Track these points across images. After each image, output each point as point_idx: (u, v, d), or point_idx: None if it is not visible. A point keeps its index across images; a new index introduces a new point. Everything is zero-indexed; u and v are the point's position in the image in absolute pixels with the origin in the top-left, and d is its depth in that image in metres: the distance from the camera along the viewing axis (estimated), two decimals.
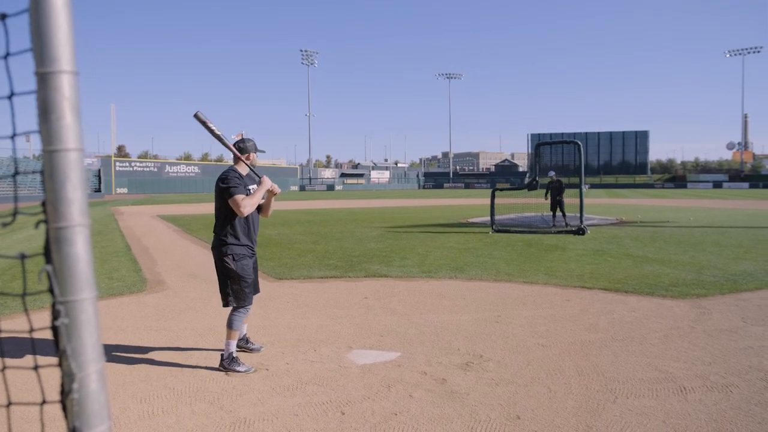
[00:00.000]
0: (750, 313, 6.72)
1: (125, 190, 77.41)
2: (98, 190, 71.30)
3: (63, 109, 0.88)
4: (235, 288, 4.91)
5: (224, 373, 4.80)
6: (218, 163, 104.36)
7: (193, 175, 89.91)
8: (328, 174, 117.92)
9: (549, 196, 18.24)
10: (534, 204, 20.62)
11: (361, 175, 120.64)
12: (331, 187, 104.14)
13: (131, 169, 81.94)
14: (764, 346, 5.42)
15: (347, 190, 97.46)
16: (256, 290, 5.22)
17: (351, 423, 3.81)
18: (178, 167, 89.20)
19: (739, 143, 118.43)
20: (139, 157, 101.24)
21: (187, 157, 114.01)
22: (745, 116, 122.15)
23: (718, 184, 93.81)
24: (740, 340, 5.59)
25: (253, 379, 4.66)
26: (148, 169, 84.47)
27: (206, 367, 4.95)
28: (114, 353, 5.35)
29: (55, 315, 0.88)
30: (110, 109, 74.34)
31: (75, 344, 0.87)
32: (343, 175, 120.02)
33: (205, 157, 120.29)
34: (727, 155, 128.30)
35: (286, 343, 5.62)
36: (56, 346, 0.88)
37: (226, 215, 4.89)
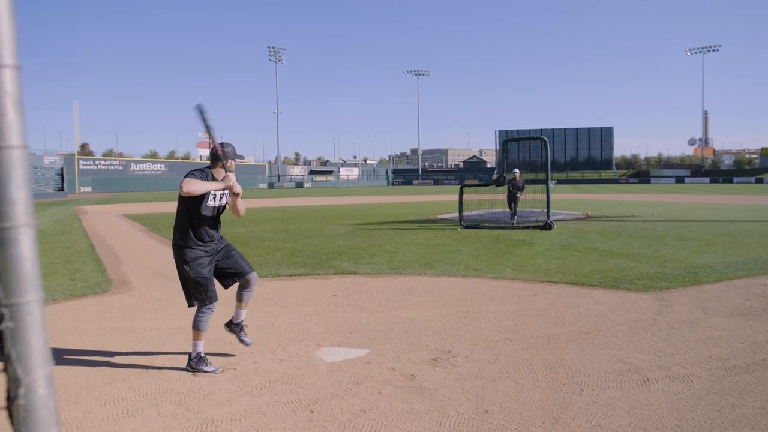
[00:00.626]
0: (710, 304, 6.88)
1: (89, 189, 75.91)
2: (61, 189, 69.71)
3: (5, 105, 0.84)
4: (193, 290, 4.86)
5: (191, 373, 4.73)
6: (185, 161, 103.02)
7: (159, 173, 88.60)
8: (297, 171, 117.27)
9: (507, 190, 18.32)
10: (502, 200, 20.79)
11: (330, 173, 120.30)
12: (300, 185, 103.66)
13: (95, 167, 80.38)
14: (723, 336, 5.56)
15: (316, 188, 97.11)
16: (243, 274, 5.09)
17: (320, 421, 3.79)
18: (144, 165, 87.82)
19: (699, 139, 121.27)
20: (103, 155, 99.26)
21: (154, 155, 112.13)
22: (706, 113, 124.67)
23: (680, 179, 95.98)
24: (701, 331, 5.72)
25: (221, 379, 4.61)
26: (113, 167, 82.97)
27: (173, 368, 4.87)
28: (77, 356, 5.23)
29: (0, 318, 0.84)
30: (73, 106, 72.71)
31: (21, 348, 0.84)
32: (312, 172, 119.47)
33: (171, 155, 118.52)
34: (689, 151, 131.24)
35: (255, 342, 5.56)
36: (1, 350, 0.85)
37: (183, 217, 4.82)
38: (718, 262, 9.89)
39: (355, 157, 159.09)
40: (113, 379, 4.63)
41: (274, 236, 15.36)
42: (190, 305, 4.93)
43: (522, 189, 18.01)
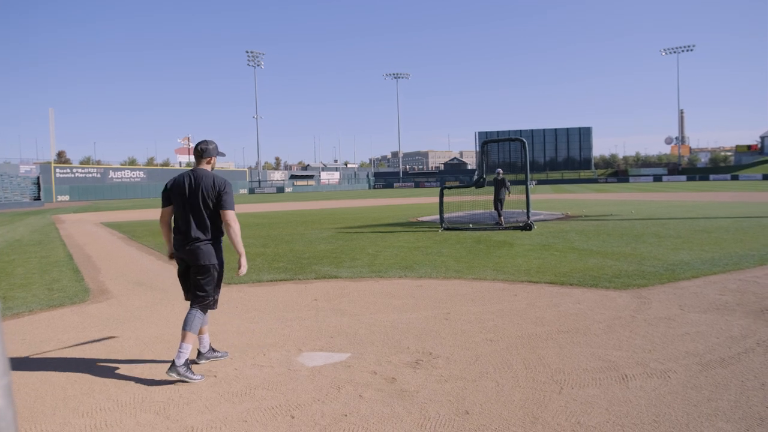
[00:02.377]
0: (687, 300, 6.98)
1: (67, 198, 74.92)
2: (37, 198, 68.72)
3: None
4: (215, 292, 5.10)
5: (171, 381, 4.68)
6: (165, 167, 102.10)
7: (138, 180, 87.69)
8: (278, 176, 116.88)
9: (493, 191, 18.29)
10: (482, 201, 20.88)
11: (311, 177, 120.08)
12: (280, 189, 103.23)
13: (73, 175, 79.32)
14: (700, 331, 5.64)
15: (297, 192, 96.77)
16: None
17: (301, 426, 3.78)
18: (123, 173, 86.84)
19: (676, 138, 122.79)
20: (81, 163, 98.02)
21: (132, 162, 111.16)
22: (681, 112, 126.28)
23: (657, 178, 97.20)
24: (678, 327, 5.80)
25: (201, 387, 4.57)
26: (90, 175, 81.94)
27: (152, 377, 4.82)
28: (54, 367, 5.16)
29: None
30: (49, 113, 71.75)
31: None
32: (292, 176, 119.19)
33: (150, 162, 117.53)
34: (666, 149, 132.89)
35: (235, 349, 5.54)
36: None
37: (217, 220, 5.11)
38: (694, 259, 10.03)
39: (335, 161, 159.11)
40: (91, 389, 4.57)
41: (254, 242, 15.28)
42: (210, 307, 5.03)
43: (507, 189, 17.95)
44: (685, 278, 8.38)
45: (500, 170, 18.30)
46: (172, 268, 10.76)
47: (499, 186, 17.85)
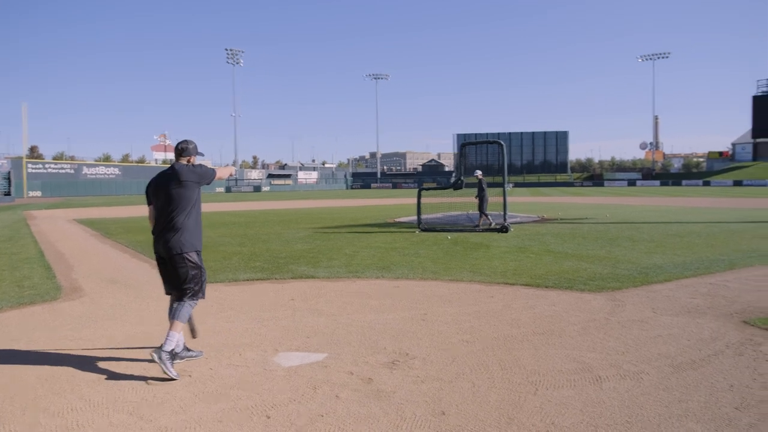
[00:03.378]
0: (659, 303, 7.09)
1: (39, 194, 73.55)
2: (8, 194, 67.35)
3: None
4: (202, 281, 5.17)
5: (144, 381, 4.63)
6: (140, 164, 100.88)
7: (113, 176, 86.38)
8: (255, 175, 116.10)
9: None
10: (460, 203, 20.99)
11: (288, 176, 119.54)
12: (258, 189, 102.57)
13: (45, 170, 77.89)
14: (672, 334, 5.73)
15: (274, 191, 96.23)
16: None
17: (277, 427, 3.76)
18: (97, 169, 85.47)
19: (651, 143, 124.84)
20: (54, 159, 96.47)
21: (107, 158, 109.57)
22: (656, 118, 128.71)
23: (632, 182, 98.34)
24: (650, 330, 5.89)
25: (175, 387, 4.52)
26: (64, 170, 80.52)
27: (125, 376, 4.76)
28: (24, 366, 5.06)
29: None
30: (21, 108, 70.45)
31: None
32: (270, 176, 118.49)
33: (125, 158, 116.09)
34: (641, 154, 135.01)
35: (210, 348, 5.49)
36: None
37: (197, 208, 5.15)
38: (667, 263, 10.19)
39: (313, 161, 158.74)
40: (62, 389, 4.50)
41: (231, 241, 15.18)
42: (195, 297, 5.09)
43: (482, 189, 17.83)
44: (658, 281, 8.51)
45: (479, 171, 18.26)
46: (147, 266, 10.63)
47: (479, 188, 17.79)
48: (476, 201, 17.64)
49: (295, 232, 17.65)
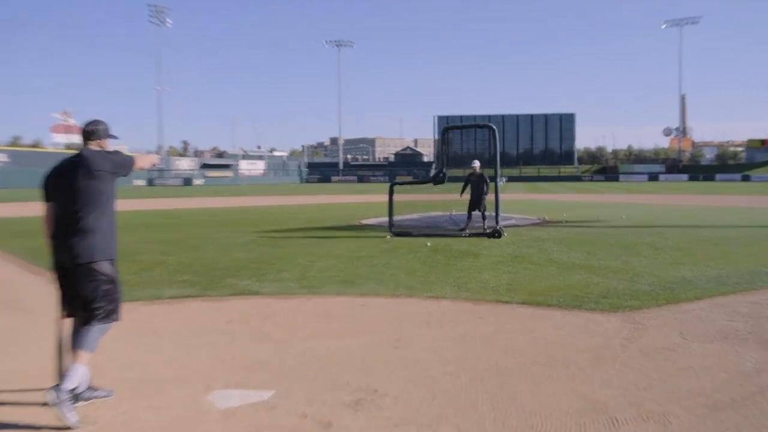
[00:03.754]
0: (690, 326, 7.16)
1: None
2: None
3: None
4: (117, 298, 5.16)
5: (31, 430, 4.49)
6: (34, 149, 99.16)
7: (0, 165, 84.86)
8: (186, 164, 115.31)
9: (469, 191, 18.20)
10: (442, 201, 21.03)
11: (227, 167, 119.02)
12: (188, 182, 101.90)
13: None
14: (706, 365, 5.78)
15: (210, 185, 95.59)
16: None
17: None
18: None
19: (676, 129, 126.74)
20: None
21: None
22: (683, 98, 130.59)
23: (654, 177, 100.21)
24: (679, 360, 5.93)
25: None
26: None
27: (6, 426, 4.62)
28: None
29: None
30: None
31: None
32: (204, 166, 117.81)
33: (15, 142, 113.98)
34: (664, 142, 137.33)
35: (124, 386, 5.36)
36: None
37: (112, 208, 5.18)
38: (698, 276, 10.33)
39: (259, 148, 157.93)
40: None
41: (152, 247, 14.98)
42: (107, 319, 4.99)
43: (488, 185, 17.82)
44: (687, 299, 8.61)
45: (477, 162, 18.20)
46: (41, 280, 10.39)
47: (476, 184, 17.79)
48: (481, 198, 17.64)
49: (235, 236, 17.50)
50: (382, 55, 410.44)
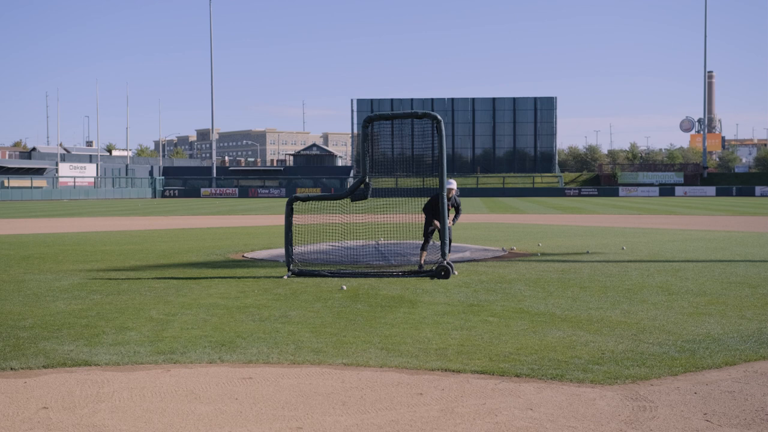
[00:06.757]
0: (717, 405, 7.30)
1: None
2: None
3: None
4: None
5: None
6: None
7: None
8: None
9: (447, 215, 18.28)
10: (365, 224, 21.08)
11: (39, 171, 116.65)
12: None
13: None
14: None
15: (11, 201, 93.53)
16: None
17: None
18: None
19: (699, 120, 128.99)
20: None
21: None
22: (710, 76, 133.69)
23: (668, 189, 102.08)
24: None
25: None
26: None
27: None
28: None
29: None
30: None
31: None
32: (2, 170, 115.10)
33: None
34: (683, 140, 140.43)
35: None
36: None
37: None
38: (729, 332, 10.61)
39: (90, 144, 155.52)
40: None
41: None
42: None
43: (457, 208, 18.12)
44: (714, 366, 8.80)
45: (454, 183, 18.37)
46: None
47: (435, 207, 17.90)
48: (440, 225, 17.75)
49: (53, 278, 17.24)
50: (277, 19, 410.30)
